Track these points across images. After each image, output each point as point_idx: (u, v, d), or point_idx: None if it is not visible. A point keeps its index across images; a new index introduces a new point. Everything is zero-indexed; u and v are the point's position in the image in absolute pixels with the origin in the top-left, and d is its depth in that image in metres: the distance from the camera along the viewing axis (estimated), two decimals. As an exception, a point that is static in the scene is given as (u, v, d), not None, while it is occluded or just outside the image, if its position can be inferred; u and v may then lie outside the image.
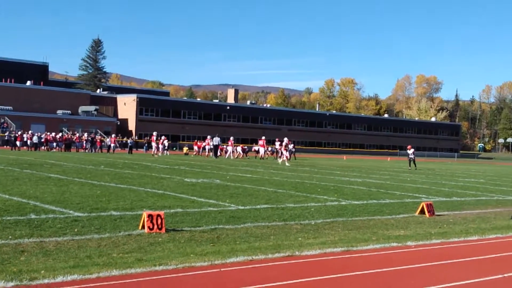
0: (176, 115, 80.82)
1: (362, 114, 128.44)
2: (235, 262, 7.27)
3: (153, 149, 47.62)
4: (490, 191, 21.25)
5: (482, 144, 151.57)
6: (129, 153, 48.47)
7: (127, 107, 77.77)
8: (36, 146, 48.27)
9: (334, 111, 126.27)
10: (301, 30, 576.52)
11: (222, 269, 6.88)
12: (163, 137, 48.83)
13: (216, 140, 46.36)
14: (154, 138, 47.88)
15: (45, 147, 48.78)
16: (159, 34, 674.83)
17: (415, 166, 37.89)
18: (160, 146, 47.32)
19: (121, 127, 74.22)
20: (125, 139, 63.59)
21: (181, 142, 73.08)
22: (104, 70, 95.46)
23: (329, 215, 12.24)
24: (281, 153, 40.84)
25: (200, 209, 12.05)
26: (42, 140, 49.03)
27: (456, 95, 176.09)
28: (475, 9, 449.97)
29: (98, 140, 51.87)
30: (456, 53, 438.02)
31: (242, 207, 12.74)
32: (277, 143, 46.09)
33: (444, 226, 11.39)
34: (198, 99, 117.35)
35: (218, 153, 46.35)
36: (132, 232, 8.99)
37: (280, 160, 39.79)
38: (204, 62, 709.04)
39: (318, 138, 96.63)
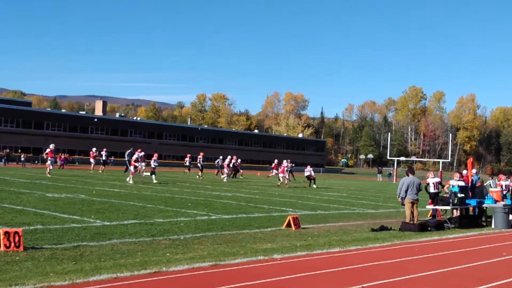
0: (39, 127, 76.66)
1: (234, 129, 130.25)
2: (98, 281, 6.96)
3: (92, 165, 44.22)
4: (352, 205, 22.40)
5: (345, 160, 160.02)
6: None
7: (-16, 118, 72.57)
8: None
9: (206, 126, 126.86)
10: (172, 43, 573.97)
11: (84, 289, 6.55)
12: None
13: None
14: (94, 154, 44.79)
15: None
16: (20, 39, 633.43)
17: (294, 178, 40.39)
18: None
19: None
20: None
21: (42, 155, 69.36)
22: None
23: (198, 229, 12.18)
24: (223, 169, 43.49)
25: (63, 226, 11.46)
26: None
27: (322, 113, 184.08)
28: (336, 30, 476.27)
29: None
30: (321, 72, 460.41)
31: (108, 223, 12.31)
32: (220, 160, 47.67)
33: (309, 239, 11.77)
34: (63, 110, 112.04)
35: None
36: (-15, 252, 8.32)
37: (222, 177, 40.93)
38: (71, 71, 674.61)
39: (189, 153, 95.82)
